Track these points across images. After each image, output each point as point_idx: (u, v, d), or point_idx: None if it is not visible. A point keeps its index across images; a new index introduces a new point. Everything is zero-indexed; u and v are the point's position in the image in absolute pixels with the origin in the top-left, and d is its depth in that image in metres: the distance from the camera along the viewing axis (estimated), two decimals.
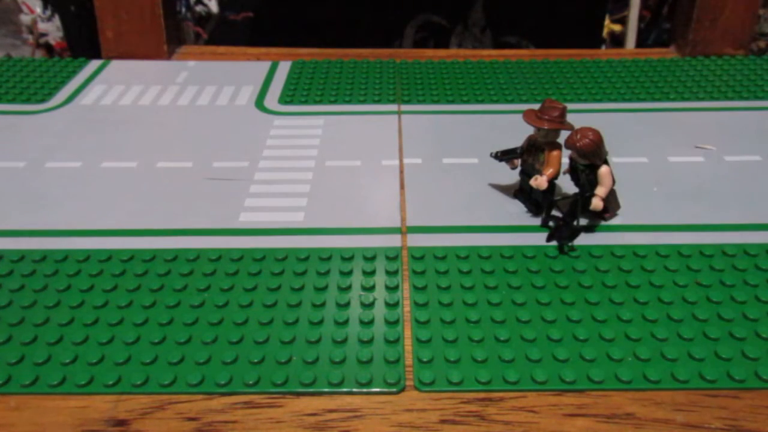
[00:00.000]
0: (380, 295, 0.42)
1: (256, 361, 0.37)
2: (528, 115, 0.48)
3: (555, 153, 0.47)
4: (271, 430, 0.34)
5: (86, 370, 0.37)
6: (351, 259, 0.45)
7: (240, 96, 0.70)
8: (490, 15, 1.06)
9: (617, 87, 0.71)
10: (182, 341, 0.38)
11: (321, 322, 0.40)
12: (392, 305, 0.41)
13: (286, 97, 0.69)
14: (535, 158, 0.49)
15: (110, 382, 0.36)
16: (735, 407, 0.35)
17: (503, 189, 0.53)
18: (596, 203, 0.46)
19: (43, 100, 0.69)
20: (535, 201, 0.50)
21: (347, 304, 0.41)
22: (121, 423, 0.34)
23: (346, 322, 0.40)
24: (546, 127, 0.47)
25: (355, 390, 0.36)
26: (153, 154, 0.59)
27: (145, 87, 0.72)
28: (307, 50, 0.83)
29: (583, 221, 0.48)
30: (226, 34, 1.21)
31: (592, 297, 0.41)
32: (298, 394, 0.36)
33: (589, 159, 0.46)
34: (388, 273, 0.44)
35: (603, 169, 0.46)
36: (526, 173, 0.50)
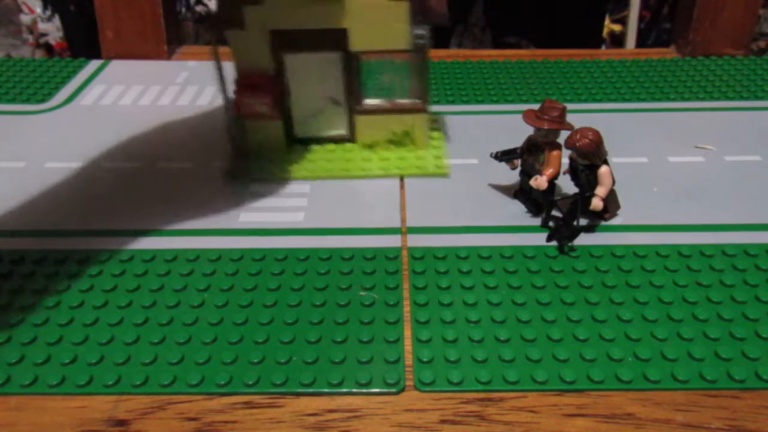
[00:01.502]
0: (380, 295, 0.42)
1: (255, 361, 0.37)
2: (528, 116, 0.48)
3: (555, 153, 0.47)
4: (271, 430, 0.34)
5: (86, 370, 0.37)
6: (351, 259, 0.45)
7: None
8: (490, 15, 1.06)
9: (617, 87, 0.71)
10: (182, 341, 0.38)
11: (321, 322, 0.40)
12: (392, 305, 0.41)
13: None
14: (535, 158, 0.49)
15: (110, 383, 0.36)
16: (735, 407, 0.35)
17: (503, 189, 0.53)
18: (596, 203, 0.46)
19: (43, 100, 0.69)
20: (535, 201, 0.50)
21: (347, 304, 0.41)
22: (121, 423, 0.34)
23: (346, 322, 0.40)
24: (546, 127, 0.47)
25: (354, 390, 0.36)
26: (153, 155, 0.58)
27: (145, 87, 0.72)
28: None
29: (583, 221, 0.48)
30: None
31: (592, 297, 0.41)
32: (298, 394, 0.36)
33: (589, 159, 0.46)
34: (387, 273, 0.44)
35: (603, 169, 0.46)
36: (526, 173, 0.50)
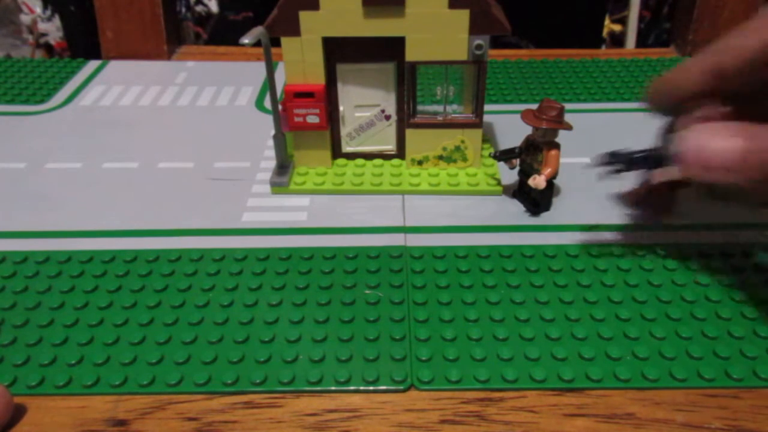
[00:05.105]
0: (385, 293, 0.42)
1: (262, 360, 0.37)
2: (526, 115, 0.48)
3: (553, 152, 0.48)
4: (271, 430, 0.34)
5: (92, 370, 0.37)
6: (355, 258, 0.45)
7: (240, 96, 0.70)
8: None
9: (617, 87, 0.71)
10: (188, 341, 0.39)
11: (326, 320, 0.40)
12: (397, 303, 0.41)
13: None
14: (533, 158, 0.49)
15: (116, 383, 0.36)
16: (735, 407, 0.35)
17: (502, 189, 0.53)
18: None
19: (42, 101, 0.69)
20: (534, 200, 0.50)
21: (352, 303, 0.41)
22: (121, 423, 0.34)
23: (351, 320, 0.40)
24: (544, 127, 0.47)
25: (362, 388, 0.36)
26: (154, 155, 0.59)
27: (145, 87, 0.72)
28: None
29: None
30: (226, 34, 1.21)
31: (591, 296, 0.42)
32: (299, 394, 0.36)
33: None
34: (392, 272, 0.44)
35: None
36: (525, 173, 0.50)
